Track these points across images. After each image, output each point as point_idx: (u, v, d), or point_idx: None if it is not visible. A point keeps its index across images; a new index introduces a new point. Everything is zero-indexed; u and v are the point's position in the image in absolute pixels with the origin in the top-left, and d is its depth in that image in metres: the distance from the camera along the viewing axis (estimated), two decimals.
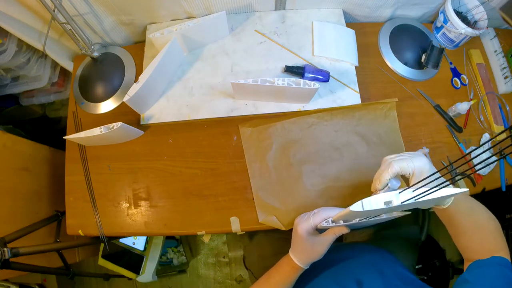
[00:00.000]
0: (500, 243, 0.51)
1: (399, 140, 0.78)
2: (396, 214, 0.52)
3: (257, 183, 0.74)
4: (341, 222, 0.53)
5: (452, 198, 0.49)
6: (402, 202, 0.39)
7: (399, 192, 0.40)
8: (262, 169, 0.75)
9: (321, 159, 0.76)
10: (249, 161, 0.76)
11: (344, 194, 0.73)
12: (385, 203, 0.40)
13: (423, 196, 0.37)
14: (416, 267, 1.10)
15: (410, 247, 0.79)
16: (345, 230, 0.54)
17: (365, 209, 0.39)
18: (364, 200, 0.40)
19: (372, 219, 0.52)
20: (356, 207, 0.40)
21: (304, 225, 0.56)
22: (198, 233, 0.73)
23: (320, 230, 0.58)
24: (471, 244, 0.53)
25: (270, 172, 0.75)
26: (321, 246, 0.55)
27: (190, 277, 1.51)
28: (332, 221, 0.53)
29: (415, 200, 0.38)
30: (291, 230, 0.71)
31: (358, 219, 0.53)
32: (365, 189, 0.74)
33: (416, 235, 0.82)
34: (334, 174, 0.75)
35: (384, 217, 0.52)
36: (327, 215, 0.55)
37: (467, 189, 0.39)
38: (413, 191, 0.39)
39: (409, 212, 0.51)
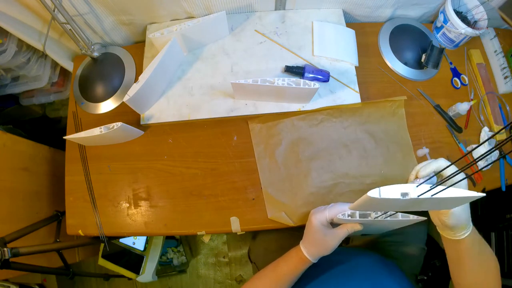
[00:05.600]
0: (498, 284, 0.52)
1: (407, 138, 0.78)
2: (412, 218, 0.52)
3: (266, 179, 0.75)
4: (357, 216, 0.53)
5: (471, 228, 0.49)
6: (418, 196, 0.39)
7: (417, 186, 0.40)
8: (271, 165, 0.75)
9: (329, 156, 0.76)
10: (258, 157, 0.76)
11: (352, 191, 0.74)
12: (402, 194, 0.40)
13: (440, 192, 0.37)
14: None
15: (415, 256, 0.78)
16: (358, 227, 0.55)
17: (381, 196, 0.39)
18: (382, 187, 0.40)
19: (388, 219, 0.52)
20: (374, 193, 0.39)
21: (319, 215, 0.56)
22: (198, 233, 0.73)
23: (333, 225, 0.58)
24: (472, 282, 0.53)
25: (279, 168, 0.75)
26: (332, 239, 0.55)
27: (190, 277, 1.51)
28: (349, 215, 0.54)
29: (432, 195, 0.38)
30: (297, 227, 0.71)
31: (374, 215, 0.53)
32: (372, 186, 0.73)
33: (421, 243, 0.81)
34: (342, 170, 0.75)
35: (400, 218, 0.52)
36: (342, 210, 0.55)
37: (484, 194, 0.39)
38: (430, 187, 0.39)
39: (425, 218, 0.51)
